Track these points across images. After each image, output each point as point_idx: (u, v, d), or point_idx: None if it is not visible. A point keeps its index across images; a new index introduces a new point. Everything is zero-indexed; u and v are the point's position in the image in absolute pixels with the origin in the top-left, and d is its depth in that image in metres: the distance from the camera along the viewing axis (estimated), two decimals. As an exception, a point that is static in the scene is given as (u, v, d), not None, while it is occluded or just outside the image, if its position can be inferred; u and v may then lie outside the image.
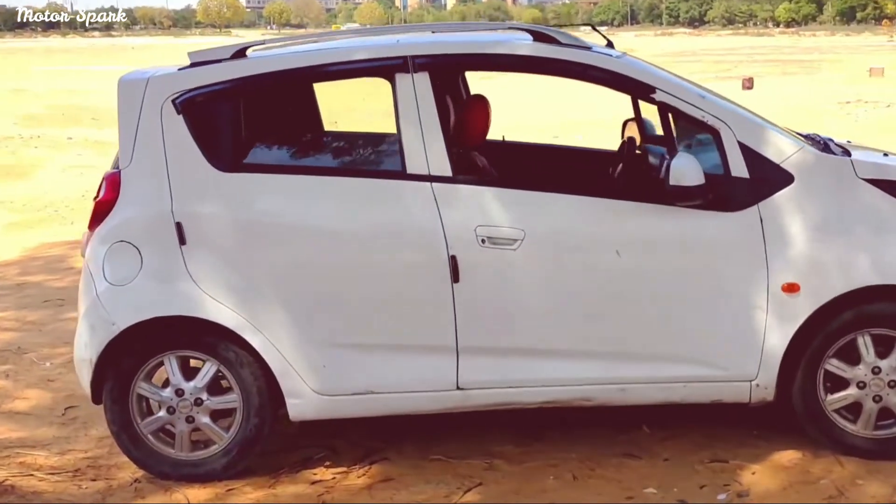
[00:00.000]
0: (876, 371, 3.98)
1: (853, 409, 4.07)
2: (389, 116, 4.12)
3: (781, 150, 3.96)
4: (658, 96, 3.99)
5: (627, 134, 5.64)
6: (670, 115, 4.13)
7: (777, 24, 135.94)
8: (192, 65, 4.23)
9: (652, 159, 4.39)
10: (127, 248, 4.08)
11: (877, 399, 4.01)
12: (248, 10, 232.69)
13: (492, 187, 4.04)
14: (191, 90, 4.11)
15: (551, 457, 4.29)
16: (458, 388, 4.09)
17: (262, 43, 4.35)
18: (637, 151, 4.86)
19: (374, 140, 4.61)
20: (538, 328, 4.05)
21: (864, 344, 3.98)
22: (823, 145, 4.22)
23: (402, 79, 4.04)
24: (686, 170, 3.77)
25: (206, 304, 4.05)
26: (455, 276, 3.96)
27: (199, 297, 4.04)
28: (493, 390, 4.11)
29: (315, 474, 4.28)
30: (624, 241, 3.96)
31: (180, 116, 4.09)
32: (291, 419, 4.20)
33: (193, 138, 4.08)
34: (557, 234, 3.99)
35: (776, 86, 26.02)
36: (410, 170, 4.02)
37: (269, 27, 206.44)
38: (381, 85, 4.24)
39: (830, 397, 4.06)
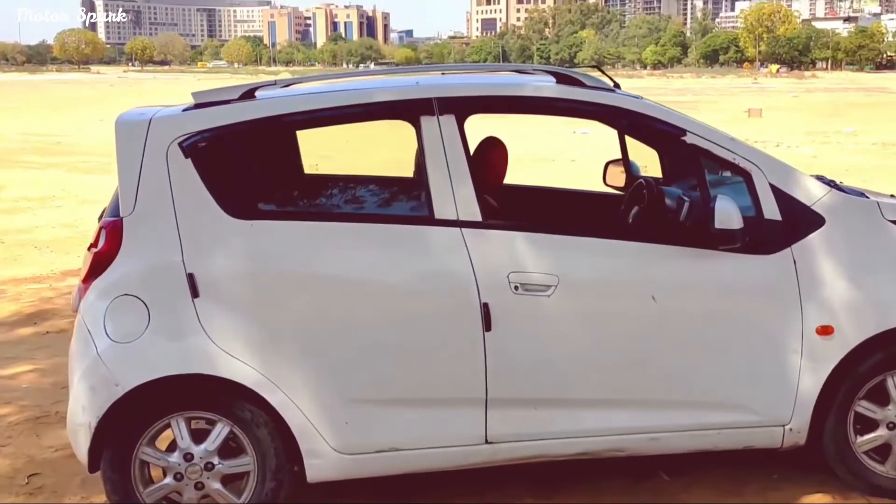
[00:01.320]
0: (905, 411, 4.01)
1: (881, 450, 4.09)
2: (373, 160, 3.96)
3: (811, 192, 3.98)
4: (689, 139, 3.95)
5: (610, 175, 5.62)
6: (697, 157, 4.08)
7: (644, 67, 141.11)
8: (197, 105, 3.98)
9: (669, 202, 4.35)
10: (132, 302, 3.77)
11: (906, 439, 4.04)
12: (108, 45, 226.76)
13: (524, 232, 3.92)
14: (199, 133, 3.86)
15: (577, 510, 4.16)
16: (486, 441, 3.93)
17: (273, 84, 4.13)
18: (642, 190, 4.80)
19: (395, 184, 4.43)
20: (571, 377, 3.93)
21: (894, 384, 4.00)
22: (836, 187, 4.26)
23: (428, 121, 3.89)
24: (731, 213, 3.74)
25: (222, 360, 3.78)
26: (487, 325, 3.81)
27: (214, 353, 3.77)
28: (522, 443, 3.96)
29: (333, 539, 4.04)
30: (660, 286, 3.88)
31: (188, 160, 3.83)
32: (309, 481, 3.94)
33: (204, 183, 3.82)
34: (592, 280, 3.89)
35: (662, 126, 26.67)
36: (439, 215, 3.85)
37: (130, 64, 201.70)
38: (359, 128, 4.08)
39: (860, 439, 4.07)
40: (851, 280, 3.93)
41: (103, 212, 4.40)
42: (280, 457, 3.90)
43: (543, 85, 4.09)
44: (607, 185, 5.75)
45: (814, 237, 3.92)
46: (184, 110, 4.00)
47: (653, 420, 3.97)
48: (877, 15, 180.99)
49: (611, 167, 5.68)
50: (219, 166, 3.89)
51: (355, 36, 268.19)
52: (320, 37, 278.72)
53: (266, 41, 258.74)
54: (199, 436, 3.89)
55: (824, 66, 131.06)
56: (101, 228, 3.88)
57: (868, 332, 3.92)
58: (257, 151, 3.97)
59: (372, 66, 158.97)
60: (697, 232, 3.85)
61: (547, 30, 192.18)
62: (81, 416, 3.80)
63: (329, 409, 3.85)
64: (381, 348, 3.85)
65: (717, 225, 3.73)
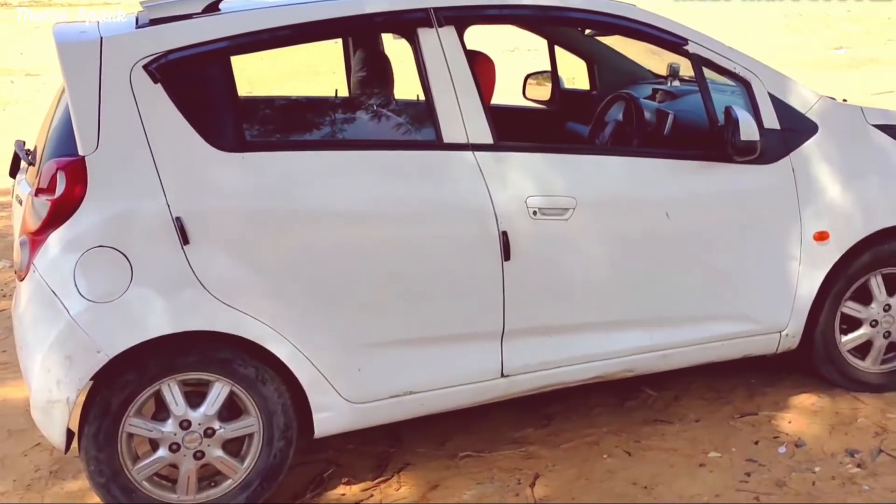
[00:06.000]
0: (887, 308, 4.16)
1: (862, 348, 4.24)
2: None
3: (805, 99, 3.97)
4: (691, 48, 3.81)
5: (531, 89, 5.46)
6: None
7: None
8: (153, 21, 3.41)
9: (648, 115, 4.25)
10: (109, 254, 3.22)
11: (886, 335, 4.20)
12: None
13: (539, 153, 3.68)
14: (167, 53, 3.31)
15: (581, 434, 4.05)
16: (502, 375, 3.73)
17: (237, -8, 3.60)
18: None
19: (393, 106, 4.01)
20: (586, 301, 3.78)
21: (877, 284, 4.14)
22: None
23: (427, 35, 3.53)
24: (752, 124, 3.66)
25: (222, 313, 3.32)
26: (506, 254, 3.57)
27: (212, 306, 3.31)
28: (538, 373, 3.79)
29: (343, 495, 3.72)
30: (673, 202, 3.77)
31: (159, 86, 3.29)
32: (317, 436, 3.60)
33: (182, 113, 3.30)
34: (608, 200, 3.72)
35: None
36: (447, 138, 3.54)
37: None
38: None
39: (845, 338, 4.19)
40: (843, 185, 3.99)
41: (29, 153, 3.76)
42: (289, 414, 3.52)
43: None
44: (528, 98, 5.59)
45: (809, 144, 3.93)
46: (139, 27, 3.42)
47: (663, 337, 3.90)
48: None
49: (532, 80, 5.51)
50: (195, 92, 3.36)
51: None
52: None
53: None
54: (193, 399, 3.44)
55: None
56: (56, 170, 3.26)
57: (859, 235, 4.01)
58: (233, 74, 3.45)
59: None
60: (715, 145, 3.76)
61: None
62: (56, 391, 3.24)
63: (342, 356, 3.51)
64: (394, 287, 3.52)
65: (743, 137, 3.64)
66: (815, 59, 17.99)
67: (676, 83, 4.87)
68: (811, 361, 4.22)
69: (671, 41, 3.84)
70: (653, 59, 5.26)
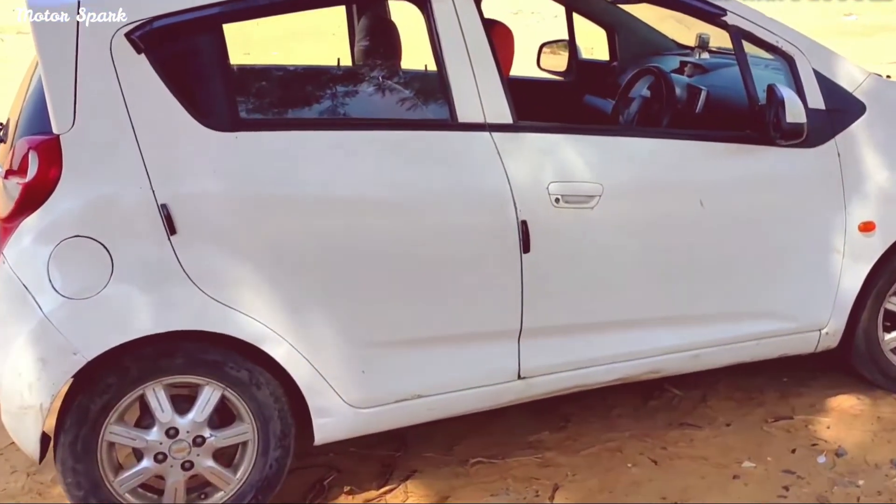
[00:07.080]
0: (934, 304, 3.86)
1: (903, 346, 3.94)
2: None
3: (853, 77, 3.63)
4: (730, 19, 3.46)
5: (547, 59, 5.12)
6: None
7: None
8: None
9: (679, 91, 3.91)
10: (87, 245, 2.88)
11: (933, 333, 3.90)
12: None
13: (562, 134, 3.34)
14: (152, 20, 2.94)
15: (602, 439, 3.74)
16: (519, 377, 3.41)
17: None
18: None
19: (401, 80, 3.66)
20: (611, 297, 3.45)
21: (924, 278, 3.83)
22: None
23: (440, 2, 3.18)
24: (799, 105, 3.32)
25: (213, 311, 2.99)
26: (525, 246, 3.24)
27: (202, 303, 2.98)
28: (558, 375, 3.48)
29: (346, 505, 3.43)
30: (707, 189, 3.44)
31: (143, 56, 2.93)
32: (317, 443, 3.29)
33: (168, 87, 2.95)
34: (637, 186, 3.38)
35: None
36: (462, 117, 3.19)
37: None
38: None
39: (888, 336, 3.88)
40: (892, 171, 3.65)
41: (1, 127, 3.42)
42: (286, 420, 3.21)
43: None
44: (542, 69, 5.24)
45: (856, 126, 3.59)
46: None
47: (694, 336, 3.58)
48: None
49: (547, 49, 5.16)
50: (184, 64, 3.01)
51: None
52: None
53: None
54: (181, 405, 3.12)
55: None
56: (28, 150, 2.91)
57: None
58: (226, 44, 3.09)
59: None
60: (754, 125, 3.42)
61: None
62: (28, 396, 2.92)
63: (343, 357, 3.18)
64: (402, 282, 3.19)
65: (789, 119, 3.30)
66: (826, 27, 17.55)
67: (705, 55, 4.52)
68: (850, 361, 3.92)
69: (707, 11, 3.48)
70: (677, 28, 4.91)
